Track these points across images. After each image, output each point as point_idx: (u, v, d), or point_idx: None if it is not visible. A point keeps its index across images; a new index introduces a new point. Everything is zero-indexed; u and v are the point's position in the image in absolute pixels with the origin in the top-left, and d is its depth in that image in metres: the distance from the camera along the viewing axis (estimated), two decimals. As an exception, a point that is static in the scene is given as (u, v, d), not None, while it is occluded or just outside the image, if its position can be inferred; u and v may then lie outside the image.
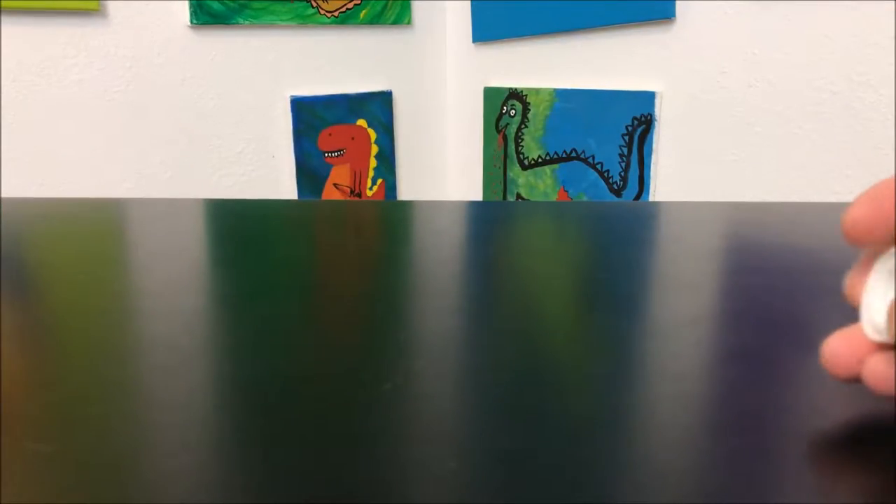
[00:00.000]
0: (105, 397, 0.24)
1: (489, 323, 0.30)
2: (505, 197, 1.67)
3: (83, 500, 0.17)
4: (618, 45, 1.32)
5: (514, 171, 1.62)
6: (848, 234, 0.21)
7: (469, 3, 1.67)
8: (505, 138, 1.63)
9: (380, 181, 1.77)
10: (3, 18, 1.32)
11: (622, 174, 1.34)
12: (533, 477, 0.20)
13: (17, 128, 1.37)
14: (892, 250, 0.22)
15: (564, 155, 1.47)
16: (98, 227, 0.58)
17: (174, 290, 0.36)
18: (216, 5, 1.49)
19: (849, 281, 0.23)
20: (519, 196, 1.63)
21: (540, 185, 1.56)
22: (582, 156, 1.42)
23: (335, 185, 1.70)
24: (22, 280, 0.40)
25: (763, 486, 0.20)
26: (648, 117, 1.27)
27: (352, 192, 1.73)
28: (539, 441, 0.22)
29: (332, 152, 1.67)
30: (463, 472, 0.21)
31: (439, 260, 0.45)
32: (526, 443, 0.22)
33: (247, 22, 1.53)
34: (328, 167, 1.67)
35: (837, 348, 0.22)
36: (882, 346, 0.22)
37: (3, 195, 1.35)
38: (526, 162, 1.58)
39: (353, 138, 1.70)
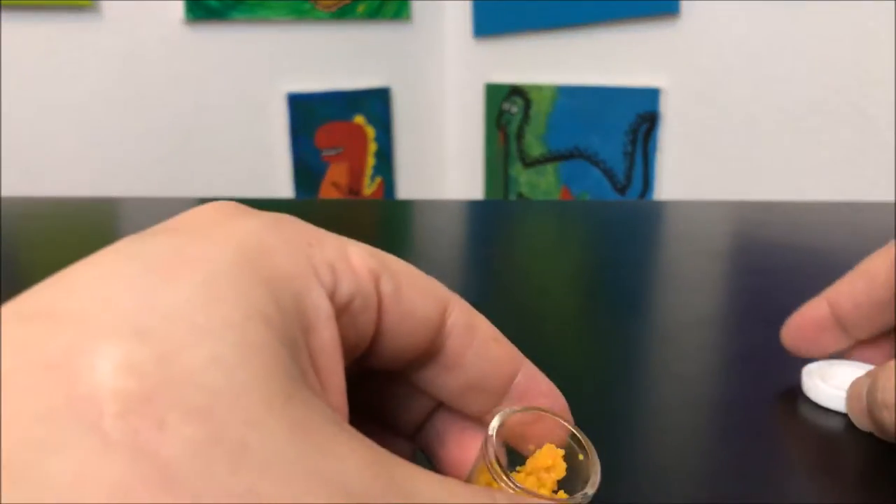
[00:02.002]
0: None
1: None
2: (506, 196, 1.66)
3: None
4: (621, 40, 1.31)
5: (516, 169, 1.61)
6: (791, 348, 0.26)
7: (469, -2, 1.66)
8: (506, 135, 1.62)
9: (378, 179, 1.75)
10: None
11: (626, 172, 1.33)
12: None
13: (9, 125, 1.36)
14: None
15: (567, 153, 1.46)
16: (96, 226, 0.57)
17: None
18: (212, 0, 1.47)
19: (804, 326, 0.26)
20: (520, 195, 1.62)
21: (542, 184, 1.55)
22: (585, 153, 1.42)
23: (333, 183, 1.68)
24: (19, 279, 0.39)
25: (767, 488, 0.20)
26: (653, 114, 1.26)
27: (350, 190, 1.72)
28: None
29: (329, 150, 1.66)
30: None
31: (439, 260, 0.44)
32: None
33: (243, 17, 1.51)
34: (325, 165, 1.65)
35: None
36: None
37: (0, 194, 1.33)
38: (527, 160, 1.57)
39: (350, 136, 1.68)
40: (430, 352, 0.16)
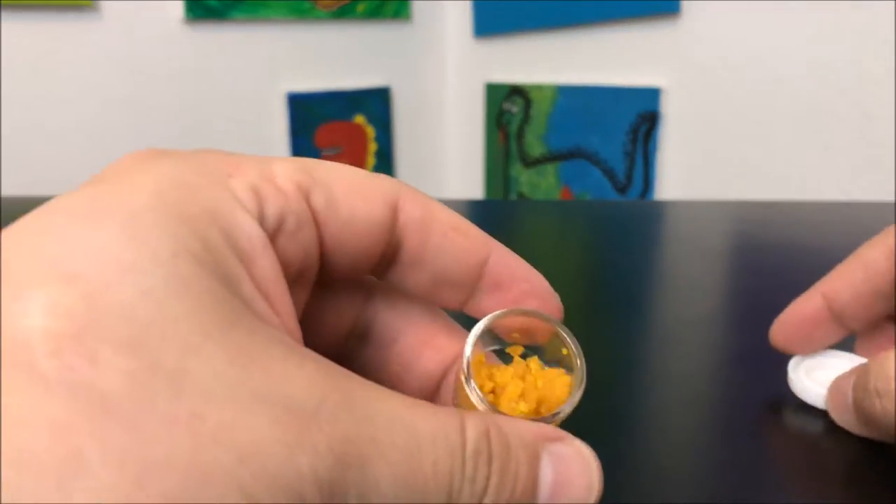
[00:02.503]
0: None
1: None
2: (506, 196, 1.66)
3: None
4: (622, 40, 1.30)
5: (516, 168, 1.61)
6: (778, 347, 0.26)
7: (469, -2, 1.66)
8: (506, 135, 1.62)
9: (379, 179, 1.75)
10: (-5, 13, 1.30)
11: (627, 172, 1.33)
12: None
13: (9, 125, 1.36)
14: None
15: (567, 153, 1.46)
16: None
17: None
18: (212, 0, 1.47)
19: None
20: (521, 195, 1.61)
21: (542, 184, 1.54)
22: (585, 153, 1.41)
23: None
24: None
25: (766, 487, 0.20)
26: (653, 114, 1.25)
27: (350, 189, 1.71)
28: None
29: (329, 149, 1.66)
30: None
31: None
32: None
33: (243, 16, 1.51)
34: (326, 164, 1.65)
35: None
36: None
37: (-4, 193, 1.33)
38: (528, 160, 1.57)
39: (350, 135, 1.68)
40: (388, 252, 0.16)
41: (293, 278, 0.15)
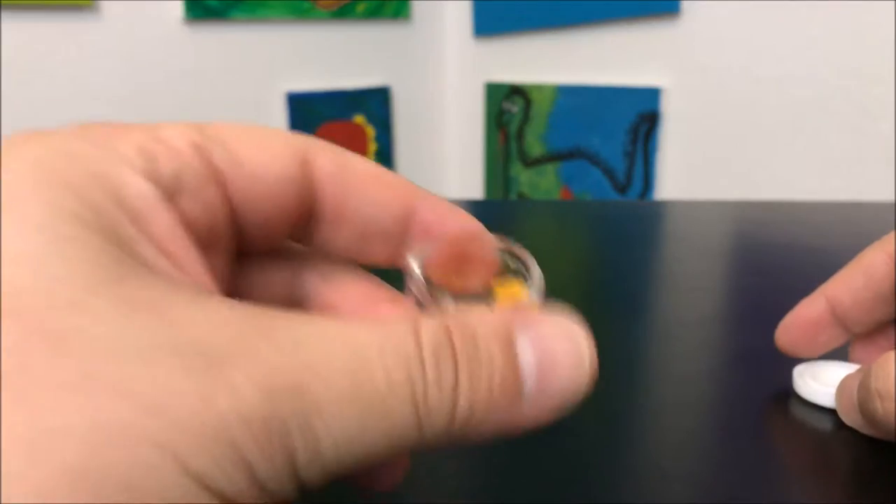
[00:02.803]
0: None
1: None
2: (506, 196, 1.66)
3: None
4: (622, 39, 1.30)
5: (516, 168, 1.61)
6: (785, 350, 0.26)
7: (469, -2, 1.66)
8: (506, 135, 1.62)
9: (379, 179, 1.75)
10: (-5, 13, 1.30)
11: (627, 172, 1.33)
12: (536, 480, 0.20)
13: (9, 125, 1.36)
14: None
15: (567, 152, 1.46)
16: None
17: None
18: (211, 0, 1.47)
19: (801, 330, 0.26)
20: (521, 195, 1.61)
21: (542, 184, 1.54)
22: (585, 153, 1.41)
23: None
24: None
25: (766, 487, 0.20)
26: (653, 114, 1.25)
27: (350, 189, 1.71)
28: (542, 444, 0.22)
29: (330, 149, 1.66)
30: (464, 475, 0.21)
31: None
32: (528, 446, 0.21)
33: (242, 16, 1.51)
34: (326, 164, 1.65)
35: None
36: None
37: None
38: (528, 159, 1.57)
39: (350, 135, 1.68)
40: (305, 210, 0.15)
41: (204, 240, 0.14)
